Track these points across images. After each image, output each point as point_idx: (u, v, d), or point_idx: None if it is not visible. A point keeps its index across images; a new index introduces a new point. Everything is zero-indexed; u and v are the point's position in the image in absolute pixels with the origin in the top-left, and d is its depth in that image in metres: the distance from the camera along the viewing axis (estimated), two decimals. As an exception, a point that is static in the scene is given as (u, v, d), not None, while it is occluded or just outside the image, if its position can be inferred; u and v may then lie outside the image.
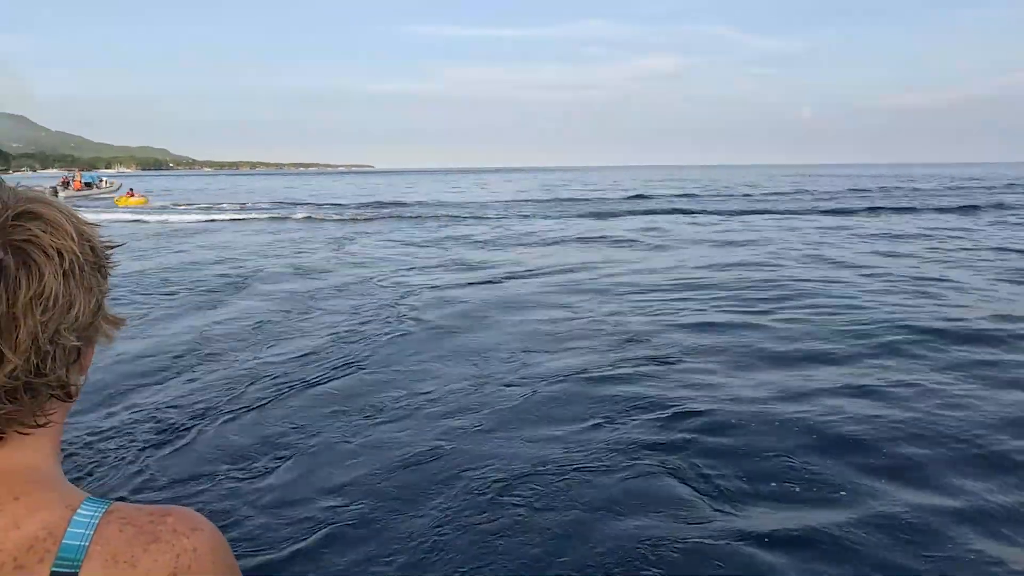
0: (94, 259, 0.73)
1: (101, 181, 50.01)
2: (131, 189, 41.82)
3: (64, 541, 0.66)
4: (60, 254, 0.67)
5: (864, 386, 5.70)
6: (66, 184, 46.16)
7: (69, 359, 0.70)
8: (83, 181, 48.09)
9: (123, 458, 4.50)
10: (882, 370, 6.08)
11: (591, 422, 4.95)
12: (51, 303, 0.66)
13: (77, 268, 0.69)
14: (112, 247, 0.78)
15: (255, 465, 4.36)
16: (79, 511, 0.68)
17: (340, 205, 35.89)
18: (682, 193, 43.78)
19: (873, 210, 27.64)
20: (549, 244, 17.13)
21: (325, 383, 5.90)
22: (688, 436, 4.70)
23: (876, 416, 5.03)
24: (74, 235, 0.70)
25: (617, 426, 4.87)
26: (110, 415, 5.14)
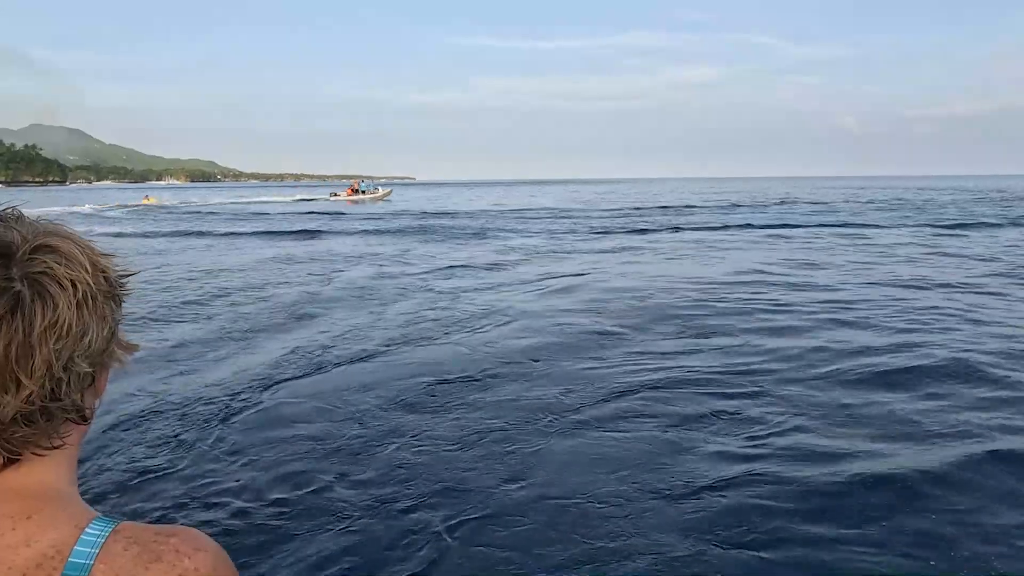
0: (108, 289, 0.76)
1: (376, 189, 56.06)
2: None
3: (70, 559, 0.69)
4: (74, 285, 0.71)
5: None
6: (356, 190, 55.00)
7: (83, 384, 0.74)
8: (360, 189, 55.63)
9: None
10: None
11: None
12: (65, 332, 0.70)
13: (90, 298, 0.73)
14: (127, 275, 0.81)
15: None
16: (87, 530, 0.71)
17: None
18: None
19: None
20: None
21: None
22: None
23: None
24: (88, 266, 0.73)
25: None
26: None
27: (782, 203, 44.70)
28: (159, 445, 4.88)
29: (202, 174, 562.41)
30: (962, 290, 10.70)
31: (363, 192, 54.94)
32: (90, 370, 0.74)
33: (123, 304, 0.81)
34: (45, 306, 0.69)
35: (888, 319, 8.47)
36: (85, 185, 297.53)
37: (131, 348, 0.82)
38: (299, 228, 27.67)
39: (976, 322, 8.32)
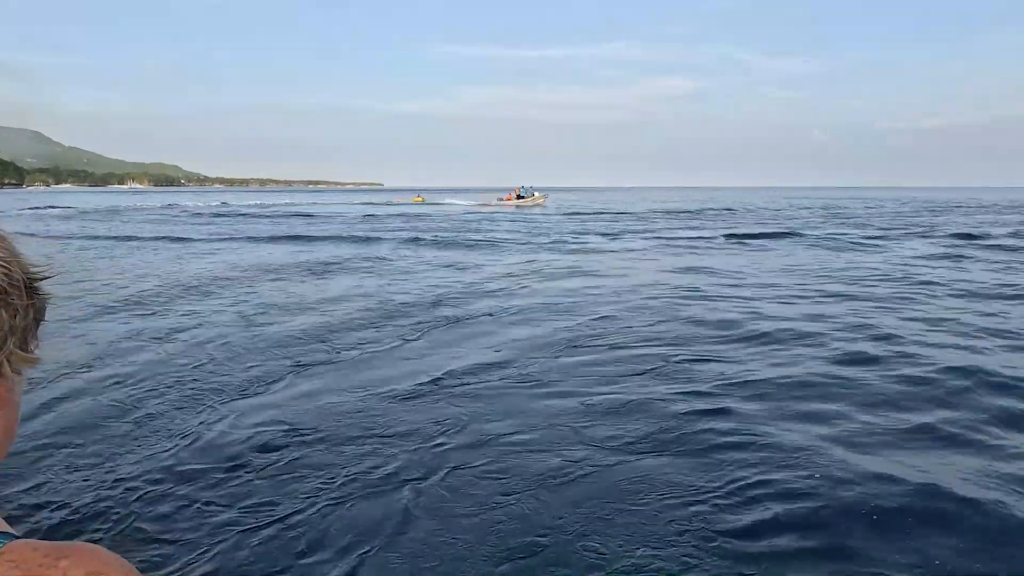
0: None
1: (534, 195, 58.21)
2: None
3: None
4: None
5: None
6: (519, 195, 58.02)
7: None
8: (521, 195, 58.55)
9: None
10: None
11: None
12: None
13: None
14: (38, 279, 0.76)
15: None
16: None
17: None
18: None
19: None
20: None
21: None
22: None
23: None
24: None
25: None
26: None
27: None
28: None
29: (166, 178, 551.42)
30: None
31: (522, 197, 57.91)
32: None
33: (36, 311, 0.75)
34: None
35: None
36: (44, 188, 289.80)
37: (30, 361, 0.76)
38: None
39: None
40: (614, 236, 25.65)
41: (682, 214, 43.66)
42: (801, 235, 24.32)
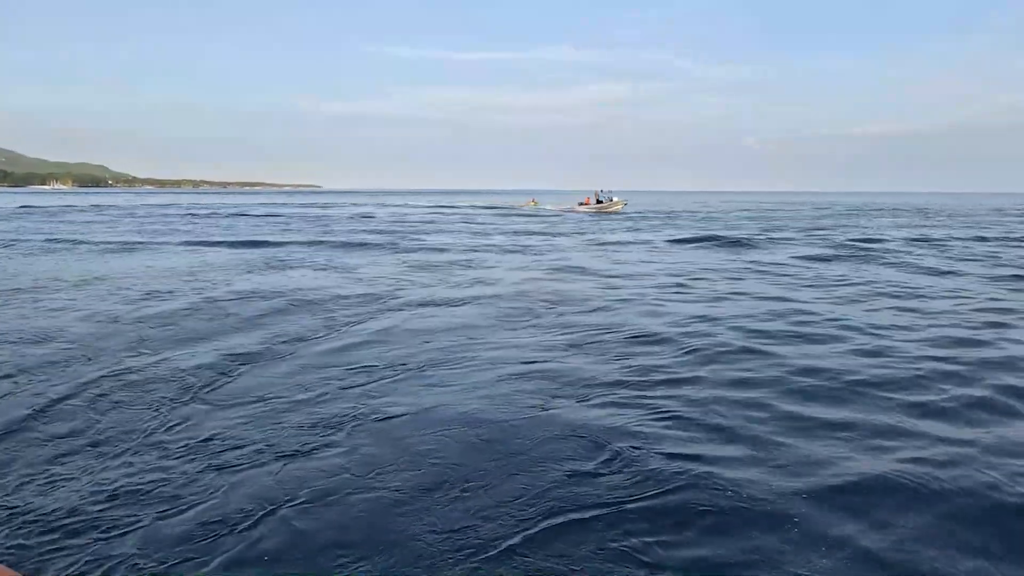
0: None
1: (612, 199, 57.43)
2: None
3: None
4: None
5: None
6: (598, 199, 57.56)
7: None
8: (600, 199, 58.09)
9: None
10: None
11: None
12: None
13: None
14: None
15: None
16: None
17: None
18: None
19: None
20: None
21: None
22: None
23: None
24: None
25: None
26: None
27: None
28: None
29: (92, 179, 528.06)
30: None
31: (601, 202, 57.68)
32: None
33: None
34: None
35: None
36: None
37: None
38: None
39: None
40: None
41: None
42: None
